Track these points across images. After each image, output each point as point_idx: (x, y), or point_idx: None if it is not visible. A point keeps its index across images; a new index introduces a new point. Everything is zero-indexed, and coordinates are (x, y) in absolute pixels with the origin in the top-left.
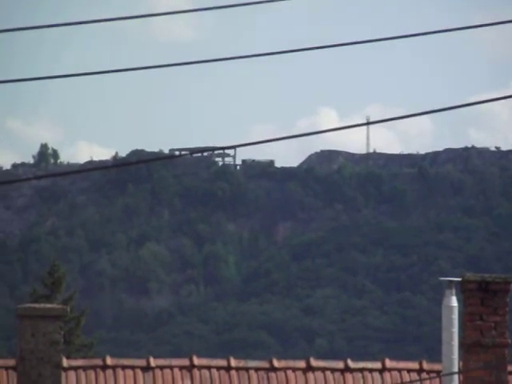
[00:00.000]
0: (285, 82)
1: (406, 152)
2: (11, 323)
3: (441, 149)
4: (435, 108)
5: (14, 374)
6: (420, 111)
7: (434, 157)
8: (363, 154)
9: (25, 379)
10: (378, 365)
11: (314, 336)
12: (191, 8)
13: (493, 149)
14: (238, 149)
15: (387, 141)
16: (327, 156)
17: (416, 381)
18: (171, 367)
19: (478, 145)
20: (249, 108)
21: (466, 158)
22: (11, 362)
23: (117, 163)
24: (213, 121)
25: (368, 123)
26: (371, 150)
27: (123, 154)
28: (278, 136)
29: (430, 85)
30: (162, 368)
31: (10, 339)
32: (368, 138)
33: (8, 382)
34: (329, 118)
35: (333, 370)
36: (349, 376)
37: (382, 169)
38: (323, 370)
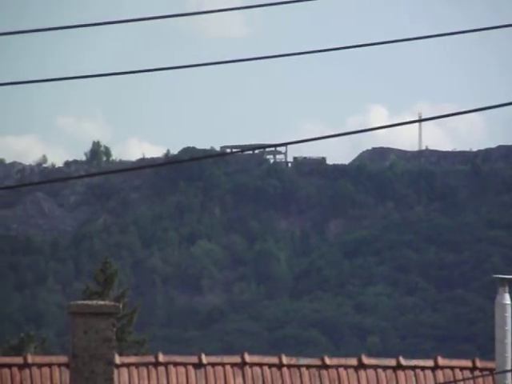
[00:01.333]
0: (334, 80)
1: (458, 149)
2: (64, 320)
3: (493, 146)
4: (487, 105)
5: (67, 371)
6: (470, 107)
7: (486, 154)
8: (415, 152)
9: (77, 376)
10: (430, 363)
11: (365, 334)
12: (241, 5)
13: None
14: (289, 146)
15: (438, 138)
16: (379, 153)
17: (469, 379)
18: (223, 364)
19: None
20: (297, 106)
21: None
22: (64, 359)
23: (168, 161)
24: (263, 118)
25: (420, 120)
26: (423, 147)
27: (175, 151)
28: (328, 134)
29: (480, 80)
30: (213, 365)
31: (63, 336)
32: (420, 135)
33: (60, 379)
34: (379, 115)
35: (385, 368)
36: (401, 374)
37: (434, 166)
38: (375, 367)
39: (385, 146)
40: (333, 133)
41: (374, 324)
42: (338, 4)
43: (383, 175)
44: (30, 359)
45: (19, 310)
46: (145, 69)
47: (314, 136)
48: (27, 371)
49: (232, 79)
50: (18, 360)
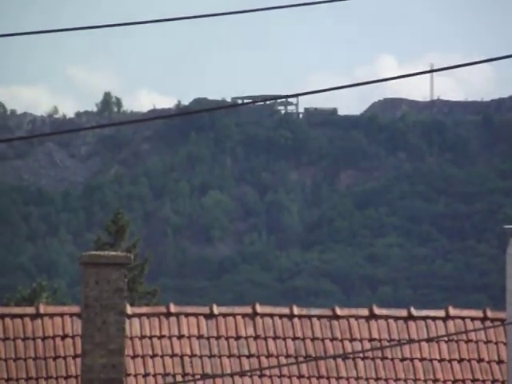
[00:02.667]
0: (341, 30)
1: (470, 99)
2: (75, 270)
3: (505, 96)
4: (498, 55)
5: (79, 321)
6: (481, 57)
7: (498, 104)
8: (427, 102)
9: (89, 326)
10: (441, 313)
11: (377, 284)
12: None
13: None
14: (300, 97)
15: (449, 88)
16: (390, 104)
17: (480, 329)
18: (234, 315)
19: None
20: (306, 56)
21: None
22: (75, 309)
23: (180, 112)
24: (274, 69)
25: (432, 70)
26: (435, 98)
27: (186, 102)
28: (339, 84)
29: (488, 30)
30: (224, 316)
31: (75, 286)
32: (432, 86)
33: (72, 329)
34: (387, 65)
35: (396, 318)
36: (412, 324)
37: (445, 116)
38: (386, 318)
39: (396, 96)
40: (342, 84)
41: (386, 274)
42: None
43: (395, 126)
44: (41, 309)
45: (31, 260)
46: (155, 19)
47: (324, 87)
48: (39, 321)
49: (243, 29)
50: (30, 310)
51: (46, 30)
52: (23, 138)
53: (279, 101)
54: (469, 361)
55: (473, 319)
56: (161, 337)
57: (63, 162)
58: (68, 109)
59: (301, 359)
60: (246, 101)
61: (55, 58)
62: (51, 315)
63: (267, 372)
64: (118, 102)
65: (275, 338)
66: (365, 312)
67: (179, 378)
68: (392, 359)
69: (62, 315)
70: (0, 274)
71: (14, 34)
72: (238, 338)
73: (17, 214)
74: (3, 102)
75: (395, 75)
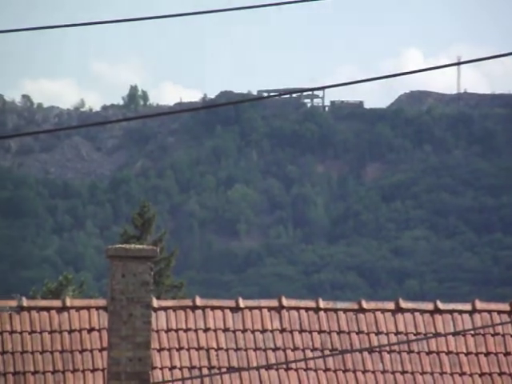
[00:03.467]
0: (367, 23)
1: (497, 92)
2: (102, 263)
3: None
4: None
5: (105, 314)
6: (507, 50)
7: None
8: (453, 95)
9: (115, 319)
10: (468, 306)
11: (403, 277)
12: None
13: None
14: (326, 90)
15: (476, 81)
16: (417, 97)
17: (507, 323)
18: (260, 308)
19: None
20: (332, 49)
21: None
22: (102, 302)
23: (206, 105)
24: (300, 62)
25: (459, 63)
26: (461, 91)
27: (212, 95)
28: (364, 77)
29: None
30: (250, 309)
31: (101, 279)
32: (458, 78)
33: (99, 322)
34: (413, 58)
35: (422, 312)
36: (438, 318)
37: (472, 109)
38: (412, 311)
39: (422, 89)
40: (368, 77)
41: (412, 268)
42: None
43: (421, 119)
44: (68, 302)
45: (57, 253)
46: (181, 13)
47: (349, 80)
48: (66, 314)
49: (269, 23)
50: (57, 303)
51: (72, 23)
52: (50, 132)
53: (305, 94)
54: (496, 354)
55: (499, 312)
56: (187, 330)
57: (89, 156)
58: (94, 102)
59: (327, 352)
60: (271, 94)
61: (82, 52)
62: (78, 308)
63: (293, 365)
64: (144, 96)
65: (301, 331)
66: (391, 305)
67: (205, 371)
68: (418, 353)
69: (88, 308)
70: (27, 267)
71: (42, 28)
72: (263, 331)
73: (43, 208)
74: (30, 95)
75: (421, 68)
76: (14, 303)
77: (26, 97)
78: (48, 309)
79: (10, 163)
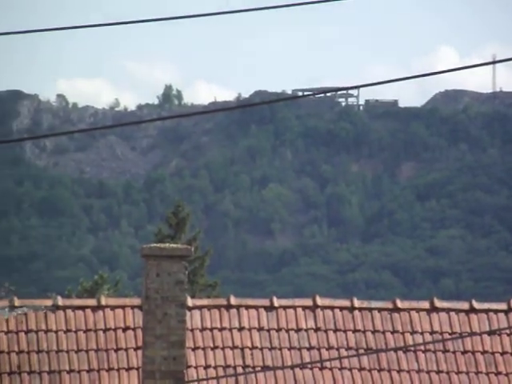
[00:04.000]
0: (400, 22)
1: None
2: (137, 263)
3: None
4: None
5: (140, 313)
6: None
7: None
8: (489, 93)
9: (150, 318)
10: (503, 306)
11: (438, 277)
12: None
13: None
14: (360, 89)
15: (510, 79)
16: (452, 95)
17: None
18: (294, 307)
19: None
20: (365, 48)
21: None
22: (137, 301)
23: (240, 104)
24: (335, 61)
25: (494, 62)
26: (497, 89)
27: (246, 95)
28: (398, 76)
29: None
30: (285, 308)
31: (136, 278)
32: (494, 77)
33: (134, 321)
34: (447, 56)
35: (457, 311)
36: (474, 317)
37: (508, 108)
38: (448, 310)
39: (457, 88)
40: (401, 76)
41: (447, 267)
42: None
43: (456, 118)
44: (103, 301)
45: (93, 252)
46: (214, 12)
47: (384, 79)
48: (101, 313)
49: (304, 22)
50: (92, 302)
51: (106, 23)
52: (85, 131)
53: (340, 93)
54: None
55: None
56: (221, 329)
57: (124, 155)
58: (129, 102)
59: (361, 352)
60: (306, 93)
61: (116, 51)
62: (113, 307)
63: (328, 364)
64: (179, 95)
65: (336, 330)
66: (426, 305)
67: (240, 370)
68: (454, 352)
69: (123, 307)
70: (62, 267)
71: (76, 28)
72: (298, 330)
73: (78, 207)
74: (65, 95)
75: (456, 67)
76: (49, 302)
77: (61, 96)
78: (83, 308)
79: (46, 163)
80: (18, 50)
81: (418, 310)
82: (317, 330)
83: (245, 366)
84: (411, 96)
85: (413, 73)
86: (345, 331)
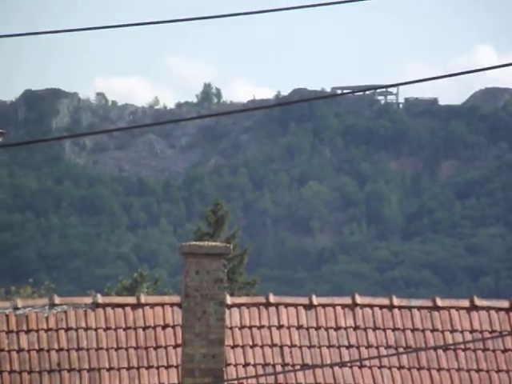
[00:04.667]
0: (439, 20)
1: None
2: (176, 260)
3: None
4: None
5: (179, 311)
6: None
7: None
8: None
9: (190, 316)
10: None
11: (478, 275)
12: None
13: None
14: (400, 87)
15: None
16: (492, 93)
17: None
18: (333, 305)
19: None
20: (405, 45)
21: None
22: (176, 299)
23: (279, 102)
24: (374, 59)
25: None
26: None
27: (285, 92)
28: (436, 74)
29: None
30: (324, 306)
31: (175, 276)
32: None
33: (173, 319)
34: (486, 55)
35: (497, 310)
36: None
37: None
38: (487, 309)
39: (497, 86)
40: (441, 74)
41: (487, 265)
42: None
43: (496, 116)
44: (143, 299)
45: (132, 250)
46: (253, 11)
47: (423, 77)
48: (140, 311)
49: (342, 20)
50: (131, 300)
51: (144, 22)
52: (124, 129)
53: (379, 91)
54: None
55: None
56: (260, 327)
57: (163, 153)
58: (168, 100)
59: (401, 350)
60: (345, 91)
61: (156, 49)
62: (152, 305)
63: (367, 363)
64: (218, 93)
65: (375, 328)
66: (466, 303)
67: (279, 368)
68: (494, 351)
69: (162, 305)
70: (101, 264)
71: (116, 26)
72: (337, 328)
73: (118, 205)
74: (104, 93)
75: (497, 64)
76: (89, 300)
77: (100, 94)
78: (123, 305)
79: (85, 161)
80: (58, 49)
81: (458, 309)
82: (356, 328)
83: (284, 364)
84: (451, 94)
85: (451, 71)
86: (384, 329)
